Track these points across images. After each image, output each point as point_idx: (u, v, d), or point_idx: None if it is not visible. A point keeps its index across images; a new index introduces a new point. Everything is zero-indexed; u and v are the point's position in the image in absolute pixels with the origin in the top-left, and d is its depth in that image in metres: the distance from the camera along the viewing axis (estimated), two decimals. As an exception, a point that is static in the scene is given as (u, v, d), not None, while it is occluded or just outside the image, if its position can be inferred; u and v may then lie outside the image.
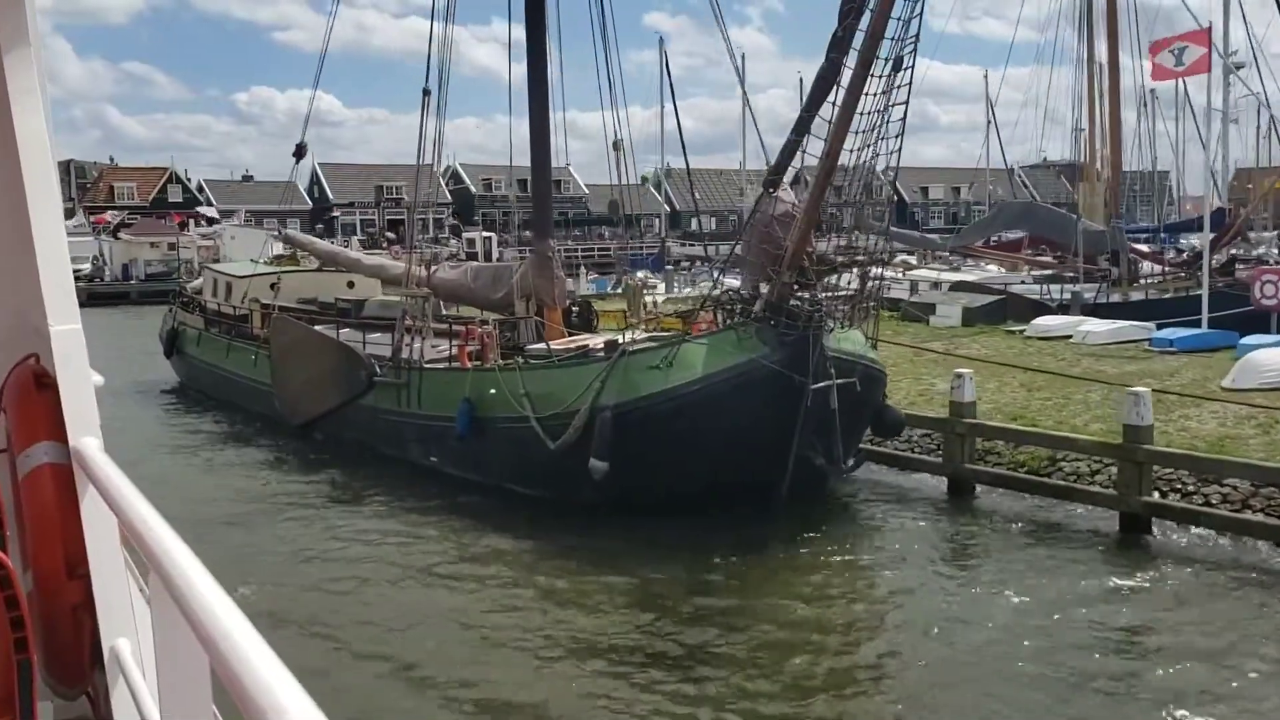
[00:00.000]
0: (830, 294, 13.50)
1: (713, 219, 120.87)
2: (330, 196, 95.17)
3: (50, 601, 2.89)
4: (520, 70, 16.48)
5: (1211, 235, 27.29)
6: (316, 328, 19.69)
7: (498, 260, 41.39)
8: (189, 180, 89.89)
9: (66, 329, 3.04)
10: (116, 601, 2.96)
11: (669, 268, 53.60)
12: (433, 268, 18.16)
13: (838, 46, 12.56)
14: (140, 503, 2.18)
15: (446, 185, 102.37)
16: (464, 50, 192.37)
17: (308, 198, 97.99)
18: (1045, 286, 30.96)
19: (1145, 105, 53.95)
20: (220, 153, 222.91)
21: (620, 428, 13.10)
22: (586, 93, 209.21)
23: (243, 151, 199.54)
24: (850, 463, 14.25)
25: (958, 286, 33.13)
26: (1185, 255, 35.84)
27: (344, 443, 18.62)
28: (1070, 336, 25.22)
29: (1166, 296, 29.60)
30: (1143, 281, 32.33)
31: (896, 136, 13.16)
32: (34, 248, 3.06)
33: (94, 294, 54.62)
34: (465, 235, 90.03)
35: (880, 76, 12.53)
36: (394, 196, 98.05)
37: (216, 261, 68.46)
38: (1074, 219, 32.46)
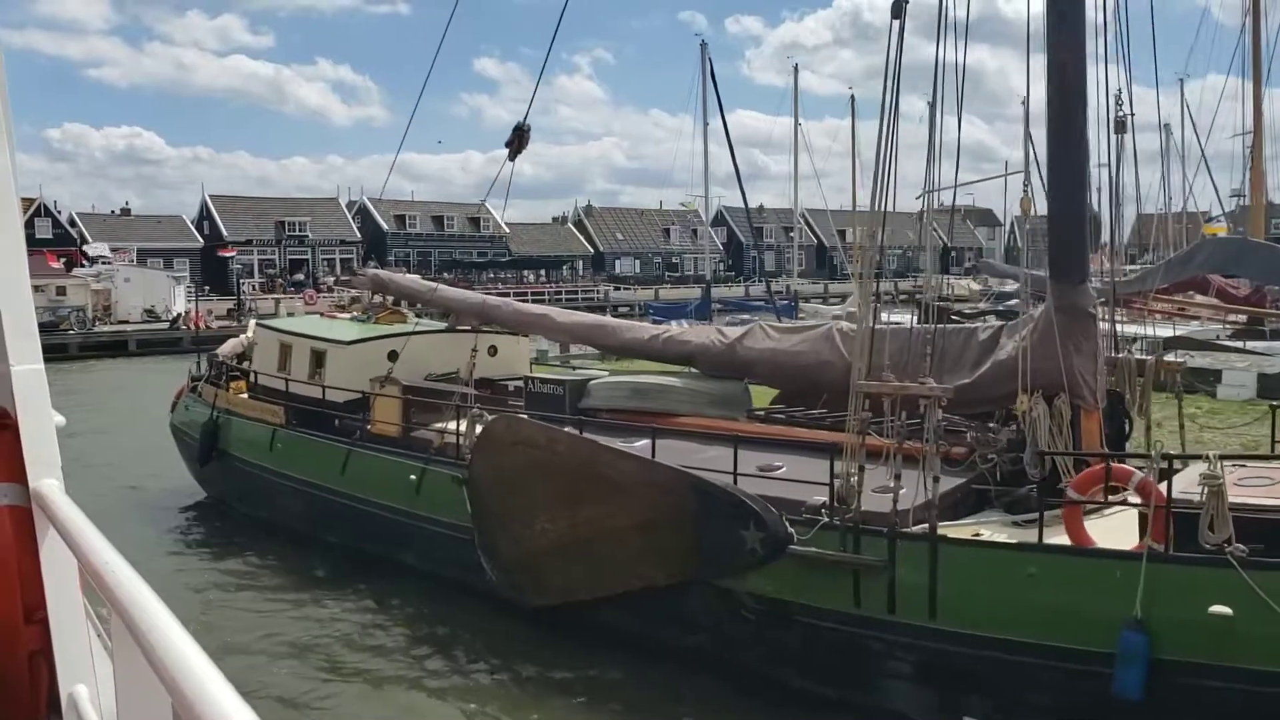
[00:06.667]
0: None
1: (636, 261, 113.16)
2: (224, 233, 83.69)
3: (6, 648, 2.75)
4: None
5: None
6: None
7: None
8: (59, 213, 77.20)
9: (27, 369, 2.89)
10: (75, 647, 2.82)
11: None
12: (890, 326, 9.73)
13: None
14: (103, 545, 2.05)
15: (353, 221, 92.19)
16: (289, 90, 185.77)
17: (197, 234, 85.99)
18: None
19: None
20: (30, 191, 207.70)
21: None
22: (419, 137, 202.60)
23: (58, 190, 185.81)
24: None
25: (1173, 343, 26.29)
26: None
27: (654, 648, 10.10)
28: None
29: None
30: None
31: None
32: None
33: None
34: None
35: None
36: (298, 234, 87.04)
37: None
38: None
